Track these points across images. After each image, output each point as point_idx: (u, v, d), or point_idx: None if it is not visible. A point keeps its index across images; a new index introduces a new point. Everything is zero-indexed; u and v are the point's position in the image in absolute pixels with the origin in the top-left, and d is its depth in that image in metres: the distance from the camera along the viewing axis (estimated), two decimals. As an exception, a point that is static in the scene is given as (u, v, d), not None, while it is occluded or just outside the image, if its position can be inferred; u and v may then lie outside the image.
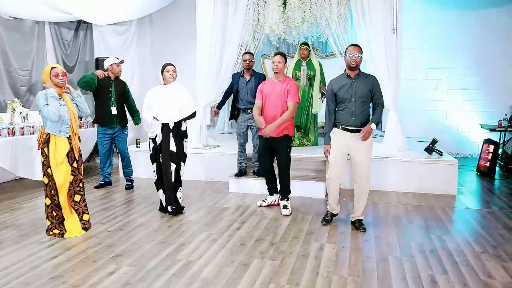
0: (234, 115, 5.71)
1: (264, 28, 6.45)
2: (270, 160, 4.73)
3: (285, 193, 4.69)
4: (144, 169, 6.41)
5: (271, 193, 4.89)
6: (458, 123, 8.14)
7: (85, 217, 4.06)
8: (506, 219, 4.39)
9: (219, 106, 6.14)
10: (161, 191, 4.61)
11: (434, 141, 5.74)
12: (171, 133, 4.42)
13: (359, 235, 3.94)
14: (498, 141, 6.74)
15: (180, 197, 4.60)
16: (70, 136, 3.91)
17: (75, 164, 3.94)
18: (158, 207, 4.76)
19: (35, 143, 5.58)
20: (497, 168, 6.80)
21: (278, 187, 4.82)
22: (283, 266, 3.23)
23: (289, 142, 4.58)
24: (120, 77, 5.69)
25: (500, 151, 6.81)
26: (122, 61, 5.62)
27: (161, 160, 4.48)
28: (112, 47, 8.05)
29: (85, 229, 4.02)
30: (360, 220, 4.14)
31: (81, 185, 4.02)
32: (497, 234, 3.94)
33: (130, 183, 5.87)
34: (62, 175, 3.84)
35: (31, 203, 5.05)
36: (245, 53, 5.65)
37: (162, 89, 4.50)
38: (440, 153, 5.68)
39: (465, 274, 3.09)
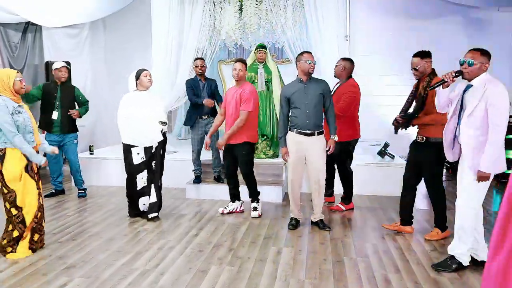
0: (190, 121, 5.58)
1: (220, 33, 6.46)
2: (233, 165, 4.68)
3: (252, 195, 4.69)
4: (97, 176, 6.22)
5: (232, 200, 4.81)
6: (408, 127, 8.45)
7: (35, 237, 3.59)
8: (452, 217, 4.59)
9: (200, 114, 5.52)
10: (146, 197, 4.57)
11: (386, 145, 5.96)
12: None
13: (315, 237, 4.02)
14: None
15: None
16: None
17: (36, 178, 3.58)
18: (128, 214, 4.64)
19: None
20: (444, 170, 7.12)
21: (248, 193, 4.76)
22: (241, 272, 3.23)
23: (249, 149, 4.58)
24: (72, 82, 5.50)
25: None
26: (64, 66, 5.38)
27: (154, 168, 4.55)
28: (63, 50, 7.74)
29: (33, 250, 3.58)
30: (322, 220, 4.29)
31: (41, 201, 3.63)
32: (444, 233, 4.14)
33: (83, 191, 5.65)
34: (24, 190, 3.47)
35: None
36: (196, 58, 5.62)
37: (138, 97, 4.43)
38: (392, 156, 5.91)
39: (416, 272, 3.23)
